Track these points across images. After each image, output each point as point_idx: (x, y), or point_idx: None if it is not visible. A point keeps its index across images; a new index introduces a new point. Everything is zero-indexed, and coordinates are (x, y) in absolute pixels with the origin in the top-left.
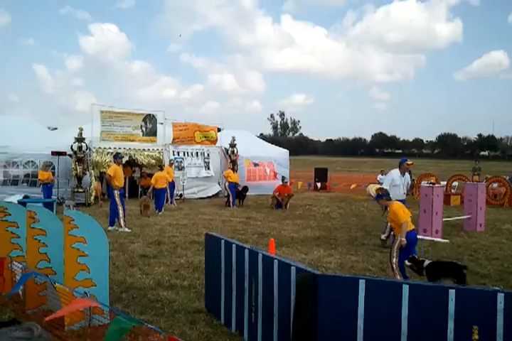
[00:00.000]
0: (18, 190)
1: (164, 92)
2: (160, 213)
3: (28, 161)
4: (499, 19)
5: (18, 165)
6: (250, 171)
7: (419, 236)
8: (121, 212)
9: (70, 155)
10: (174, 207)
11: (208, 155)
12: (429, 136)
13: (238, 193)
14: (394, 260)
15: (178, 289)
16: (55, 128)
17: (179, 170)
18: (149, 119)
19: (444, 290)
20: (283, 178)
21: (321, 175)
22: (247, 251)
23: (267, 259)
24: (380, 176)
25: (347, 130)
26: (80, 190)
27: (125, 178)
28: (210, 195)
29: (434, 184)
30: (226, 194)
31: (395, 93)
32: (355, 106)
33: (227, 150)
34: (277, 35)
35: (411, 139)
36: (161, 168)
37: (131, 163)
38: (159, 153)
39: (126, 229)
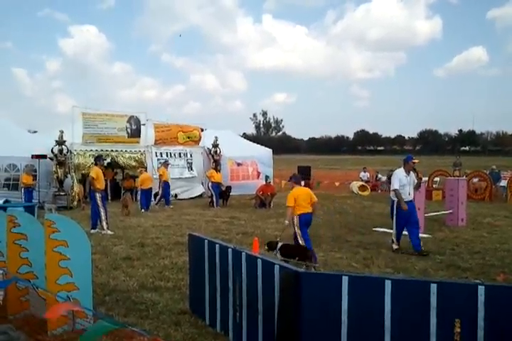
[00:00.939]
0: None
1: (146, 93)
2: (147, 211)
3: (10, 164)
4: (478, 16)
5: None
6: (233, 171)
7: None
8: (103, 214)
9: (50, 158)
10: (169, 208)
11: (191, 155)
12: (411, 132)
13: (222, 193)
14: (298, 231)
15: (163, 291)
16: (35, 132)
17: None
18: (133, 120)
19: (425, 284)
20: (266, 178)
21: (304, 173)
22: (230, 251)
23: (250, 258)
24: (362, 173)
25: (330, 128)
26: (62, 194)
27: (106, 180)
28: (194, 196)
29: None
30: (210, 194)
31: (376, 90)
32: (337, 104)
33: (209, 150)
34: (258, 35)
35: (393, 136)
36: (146, 169)
37: (114, 165)
38: (141, 154)
39: (109, 232)
